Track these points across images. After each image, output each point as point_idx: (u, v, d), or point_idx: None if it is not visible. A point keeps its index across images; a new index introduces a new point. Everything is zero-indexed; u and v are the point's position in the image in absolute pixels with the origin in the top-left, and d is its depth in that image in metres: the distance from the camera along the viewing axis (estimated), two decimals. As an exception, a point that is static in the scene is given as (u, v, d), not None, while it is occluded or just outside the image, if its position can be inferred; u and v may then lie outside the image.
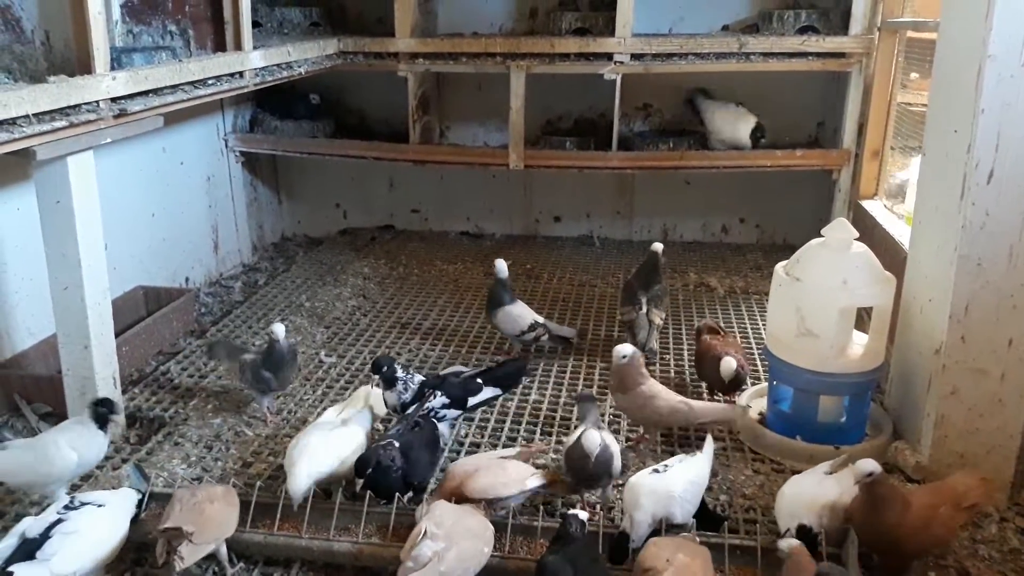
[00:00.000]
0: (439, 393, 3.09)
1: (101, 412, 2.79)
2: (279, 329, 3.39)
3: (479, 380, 3.27)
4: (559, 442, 3.22)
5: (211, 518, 2.43)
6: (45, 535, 2.27)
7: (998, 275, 2.82)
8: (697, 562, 2.26)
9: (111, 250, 3.43)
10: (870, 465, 2.42)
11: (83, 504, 2.40)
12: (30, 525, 2.31)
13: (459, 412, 3.19)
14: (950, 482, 2.59)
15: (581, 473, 2.69)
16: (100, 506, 2.41)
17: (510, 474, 2.69)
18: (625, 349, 3.17)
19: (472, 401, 3.21)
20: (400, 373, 3.13)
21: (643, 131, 5.69)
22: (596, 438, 2.66)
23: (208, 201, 5.20)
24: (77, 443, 2.73)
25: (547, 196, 6.04)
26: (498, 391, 3.31)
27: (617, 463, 2.70)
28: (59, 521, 2.31)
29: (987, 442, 2.96)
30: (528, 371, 3.70)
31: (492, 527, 2.42)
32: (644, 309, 4.00)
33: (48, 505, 2.55)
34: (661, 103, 5.73)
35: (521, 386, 3.69)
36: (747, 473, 3.10)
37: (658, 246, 4.19)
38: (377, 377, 3.12)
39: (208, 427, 3.39)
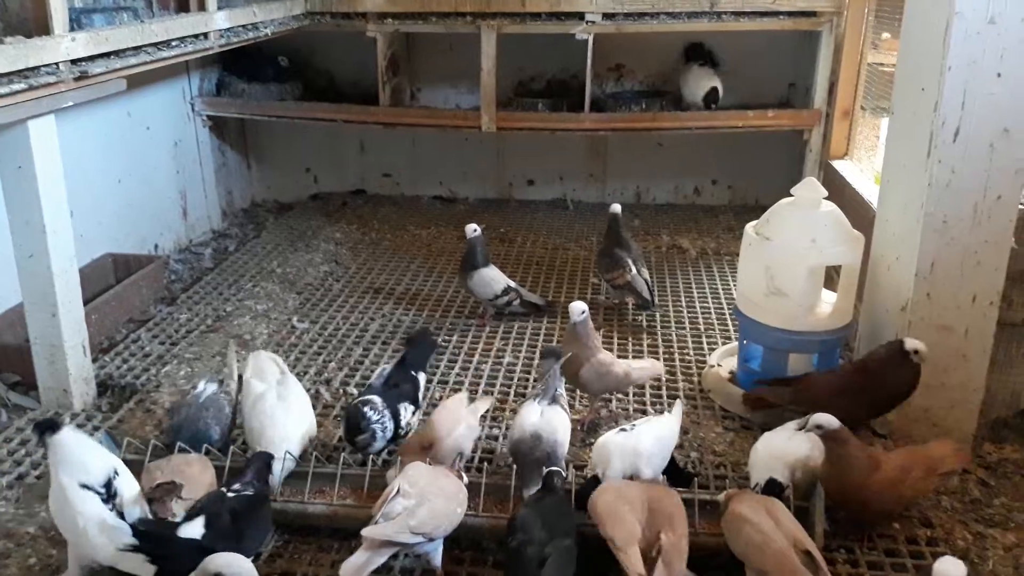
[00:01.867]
0: (409, 406, 2.87)
1: None
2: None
3: (412, 372, 3.00)
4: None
5: (192, 477, 2.44)
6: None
7: (963, 232, 2.86)
8: (677, 516, 2.28)
9: (77, 217, 3.37)
10: (822, 419, 2.47)
11: None
12: None
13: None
14: (926, 448, 2.64)
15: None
16: None
17: (459, 425, 2.71)
18: (581, 305, 3.05)
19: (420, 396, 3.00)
20: (374, 417, 2.70)
21: (615, 92, 5.67)
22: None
23: (176, 167, 5.12)
24: None
25: (520, 159, 6.02)
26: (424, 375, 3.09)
27: (562, 451, 2.65)
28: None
29: (951, 397, 3.02)
30: (434, 341, 3.40)
31: (466, 490, 2.45)
32: (634, 271, 4.02)
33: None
34: (633, 64, 5.71)
35: (493, 348, 3.72)
36: (717, 430, 3.15)
37: (616, 207, 4.19)
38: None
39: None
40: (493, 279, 3.97)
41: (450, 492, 2.37)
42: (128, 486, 2.32)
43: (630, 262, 4.02)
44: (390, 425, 2.74)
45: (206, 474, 2.51)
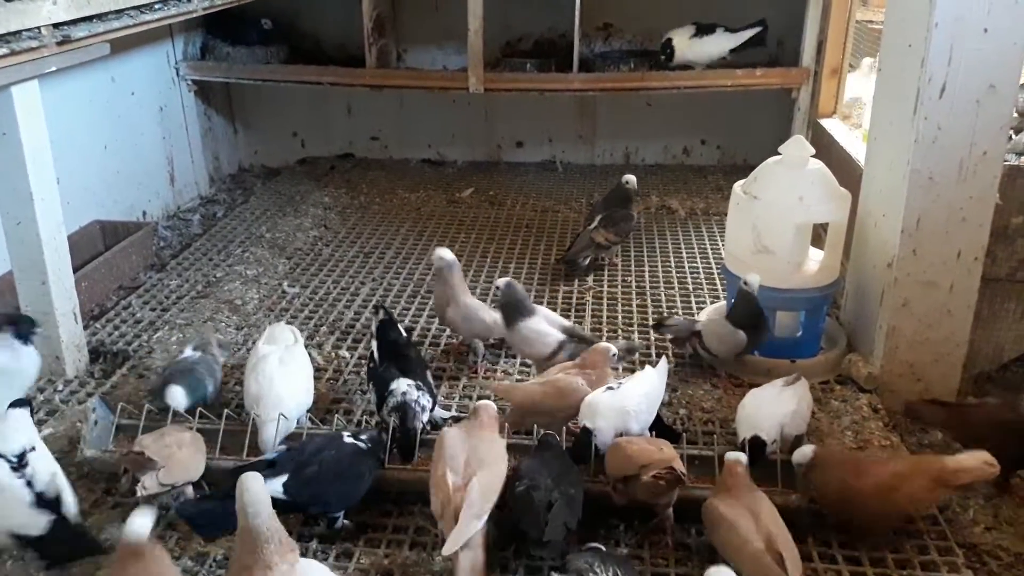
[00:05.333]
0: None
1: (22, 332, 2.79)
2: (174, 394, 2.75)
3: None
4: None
5: (179, 461, 2.41)
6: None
7: (948, 189, 2.87)
8: (671, 450, 2.42)
9: (64, 184, 3.36)
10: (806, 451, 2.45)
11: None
12: None
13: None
14: (942, 458, 2.43)
15: None
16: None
17: None
18: (444, 251, 3.29)
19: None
20: (420, 398, 2.69)
21: (604, 52, 5.63)
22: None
23: (162, 132, 5.08)
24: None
25: (508, 121, 5.99)
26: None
27: None
28: None
29: (935, 351, 3.06)
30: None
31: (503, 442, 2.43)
32: (593, 225, 4.05)
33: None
34: (622, 22, 5.67)
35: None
36: (705, 388, 3.19)
37: (630, 178, 4.20)
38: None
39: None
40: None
41: (493, 454, 2.33)
42: (44, 464, 2.31)
43: (596, 219, 4.10)
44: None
45: (197, 457, 2.48)
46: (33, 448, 2.31)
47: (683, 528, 2.42)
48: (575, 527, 2.24)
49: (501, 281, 3.15)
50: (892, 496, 2.34)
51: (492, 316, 3.28)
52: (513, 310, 3.10)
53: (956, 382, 3.09)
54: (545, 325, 3.09)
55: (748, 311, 3.09)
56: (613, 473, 2.40)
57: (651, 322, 3.58)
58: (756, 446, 2.52)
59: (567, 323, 3.19)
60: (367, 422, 2.92)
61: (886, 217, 3.09)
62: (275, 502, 2.21)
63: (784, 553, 2.10)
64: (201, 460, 2.50)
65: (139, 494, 2.34)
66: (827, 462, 2.43)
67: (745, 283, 3.08)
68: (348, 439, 2.47)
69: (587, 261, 4.12)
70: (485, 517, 2.19)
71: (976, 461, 2.37)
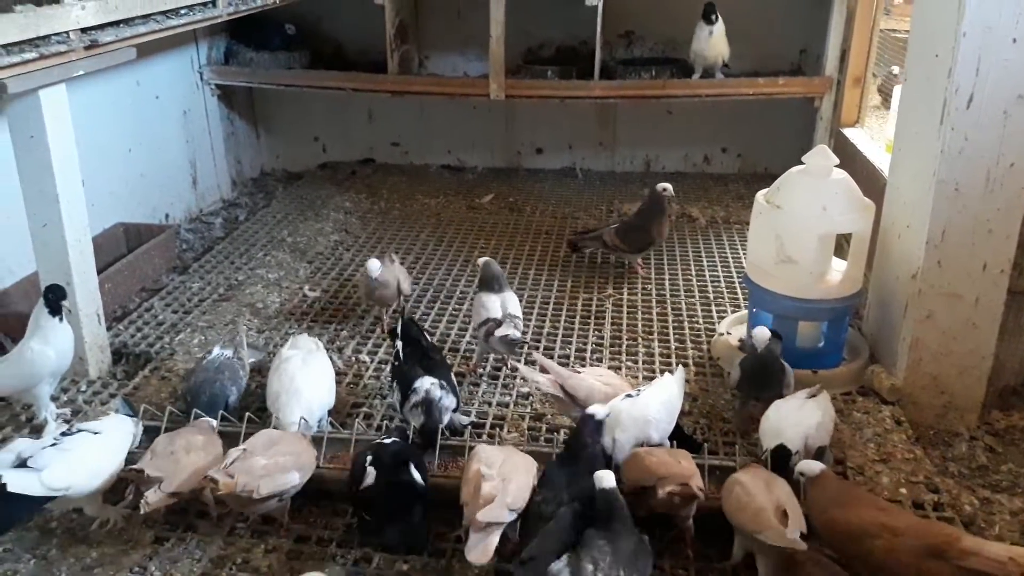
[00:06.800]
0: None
1: (52, 300, 2.86)
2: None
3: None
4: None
5: (185, 468, 2.39)
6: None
7: (975, 200, 2.85)
8: (690, 463, 2.42)
9: (89, 186, 3.39)
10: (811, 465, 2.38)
11: (79, 431, 2.43)
12: (25, 446, 2.35)
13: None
14: (960, 532, 2.15)
15: None
16: (96, 433, 2.44)
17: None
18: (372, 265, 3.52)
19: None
20: (443, 397, 2.76)
21: (625, 59, 5.62)
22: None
23: (185, 136, 5.12)
24: (50, 340, 2.85)
25: (529, 127, 5.99)
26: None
27: None
28: (54, 444, 2.36)
29: (959, 364, 3.03)
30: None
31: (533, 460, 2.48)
32: (612, 225, 4.16)
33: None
34: (643, 30, 5.66)
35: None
36: (726, 398, 3.17)
37: (667, 186, 4.18)
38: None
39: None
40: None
41: (524, 466, 2.41)
42: None
43: (614, 226, 4.24)
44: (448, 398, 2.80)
45: (207, 460, 2.44)
46: None
47: (704, 539, 2.40)
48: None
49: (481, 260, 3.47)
50: (868, 544, 2.12)
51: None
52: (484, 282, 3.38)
53: (980, 395, 3.06)
54: (496, 303, 3.27)
55: (753, 362, 2.93)
56: (631, 484, 2.39)
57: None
58: (781, 455, 2.49)
59: (516, 317, 3.27)
60: (387, 427, 2.93)
61: (911, 228, 3.07)
62: None
63: (789, 512, 2.15)
64: (213, 463, 2.44)
65: (142, 510, 2.31)
66: (827, 485, 2.31)
67: (749, 337, 3.01)
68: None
69: (588, 251, 4.37)
70: (515, 514, 2.23)
71: (1001, 554, 2.02)
